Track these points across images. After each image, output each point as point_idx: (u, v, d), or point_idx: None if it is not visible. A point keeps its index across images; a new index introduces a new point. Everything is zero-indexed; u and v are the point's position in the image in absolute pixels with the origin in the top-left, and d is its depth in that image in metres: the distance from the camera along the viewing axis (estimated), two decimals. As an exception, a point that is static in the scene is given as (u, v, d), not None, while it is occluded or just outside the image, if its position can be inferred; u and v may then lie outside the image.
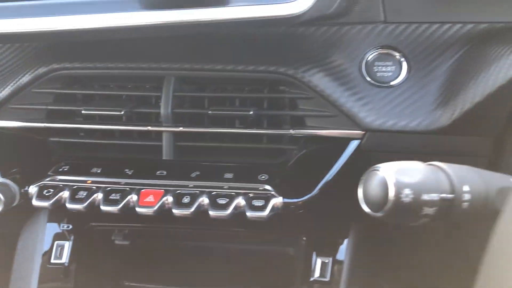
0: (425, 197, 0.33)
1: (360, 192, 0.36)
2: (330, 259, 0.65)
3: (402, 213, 0.34)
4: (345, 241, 0.66)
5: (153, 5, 0.49)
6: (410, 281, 0.73)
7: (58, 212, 0.71)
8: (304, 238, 0.66)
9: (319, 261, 0.65)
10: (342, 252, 0.65)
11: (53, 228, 0.71)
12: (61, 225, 0.71)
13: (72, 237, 0.70)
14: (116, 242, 0.69)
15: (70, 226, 0.70)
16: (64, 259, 0.68)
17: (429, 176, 0.34)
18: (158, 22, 0.48)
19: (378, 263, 0.71)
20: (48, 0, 0.50)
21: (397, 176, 0.33)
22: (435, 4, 0.58)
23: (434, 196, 0.34)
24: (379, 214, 0.34)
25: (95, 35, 0.49)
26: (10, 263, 0.72)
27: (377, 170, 0.35)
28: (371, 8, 0.59)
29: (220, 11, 0.49)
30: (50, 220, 0.71)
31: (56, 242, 0.70)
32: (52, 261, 0.68)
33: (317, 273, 0.64)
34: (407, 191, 0.33)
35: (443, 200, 0.34)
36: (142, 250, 0.69)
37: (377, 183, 0.34)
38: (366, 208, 0.36)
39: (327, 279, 0.64)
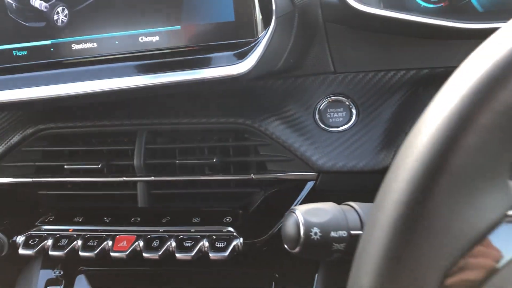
0: (333, 234, 0.38)
1: (282, 231, 0.41)
2: None
3: (314, 249, 0.38)
4: (316, 276, 0.69)
5: (119, 73, 0.56)
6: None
7: (50, 260, 0.77)
8: (277, 275, 0.71)
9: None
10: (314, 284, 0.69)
11: (46, 274, 0.77)
12: (54, 271, 0.77)
13: (63, 282, 0.75)
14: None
15: (62, 272, 0.76)
16: None
17: (338, 216, 0.39)
18: (124, 87, 0.55)
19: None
20: (37, 73, 0.57)
21: (306, 217, 0.38)
22: (379, 55, 0.64)
23: (342, 233, 0.38)
24: (295, 251, 0.39)
25: (73, 99, 0.56)
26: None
27: (293, 211, 0.40)
28: (321, 61, 0.65)
29: (180, 74, 0.56)
30: (44, 266, 0.77)
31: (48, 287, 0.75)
32: None
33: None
34: (315, 229, 0.38)
35: (352, 236, 0.39)
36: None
37: (291, 223, 0.39)
38: (286, 246, 0.40)
39: None
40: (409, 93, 0.64)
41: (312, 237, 0.38)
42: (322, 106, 0.65)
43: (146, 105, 0.67)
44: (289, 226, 0.39)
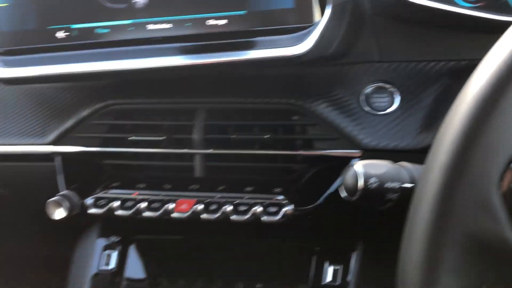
0: (388, 185, 0.44)
1: (341, 181, 0.47)
2: (341, 266, 0.74)
3: (370, 197, 0.44)
4: (355, 252, 0.75)
5: (185, 52, 0.63)
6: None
7: (107, 228, 0.85)
8: (318, 248, 0.76)
9: (331, 268, 0.74)
10: (352, 261, 0.74)
11: (103, 241, 0.84)
12: (110, 238, 0.84)
13: (119, 247, 0.83)
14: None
15: (119, 238, 0.83)
16: (112, 265, 0.81)
17: (392, 170, 0.45)
18: (189, 63, 0.62)
19: (385, 273, 0.80)
20: (115, 49, 0.65)
21: (366, 169, 0.44)
22: (421, 46, 0.70)
23: (396, 185, 0.44)
24: (354, 197, 0.45)
25: (143, 74, 0.63)
26: (66, 269, 0.86)
27: (352, 165, 0.46)
28: (368, 50, 0.71)
29: (244, 54, 0.63)
30: (101, 234, 0.85)
31: (105, 252, 0.83)
32: (102, 268, 0.81)
33: (329, 278, 0.74)
34: (373, 179, 0.44)
35: (403, 188, 0.44)
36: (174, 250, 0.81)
37: (351, 174, 0.45)
38: (343, 194, 0.46)
39: (338, 283, 0.73)
40: (449, 82, 0.70)
41: (369, 186, 0.44)
42: (367, 91, 0.71)
43: (206, 85, 0.74)
44: (350, 175, 0.45)
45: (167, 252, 0.84)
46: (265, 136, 0.71)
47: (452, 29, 0.67)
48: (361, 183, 0.44)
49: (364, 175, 0.44)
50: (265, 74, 0.73)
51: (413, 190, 0.42)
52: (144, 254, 0.83)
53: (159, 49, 0.64)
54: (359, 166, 0.45)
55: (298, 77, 0.73)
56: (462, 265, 0.31)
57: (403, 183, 0.44)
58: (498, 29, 0.65)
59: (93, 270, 0.82)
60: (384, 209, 0.45)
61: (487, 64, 0.31)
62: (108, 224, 0.85)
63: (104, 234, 0.85)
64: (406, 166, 0.46)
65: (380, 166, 0.45)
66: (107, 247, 0.83)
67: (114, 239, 0.84)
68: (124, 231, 0.84)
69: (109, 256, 0.82)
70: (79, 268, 0.84)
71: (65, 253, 0.88)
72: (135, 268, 0.82)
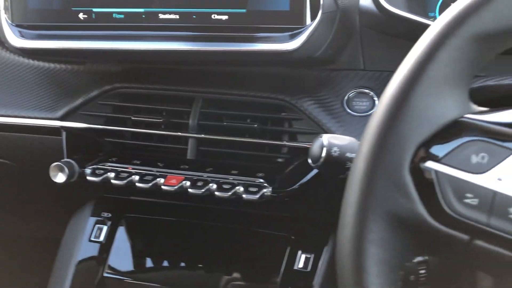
0: (348, 155, 0.51)
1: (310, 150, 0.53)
2: (313, 255, 0.80)
3: (332, 164, 0.51)
4: (327, 243, 0.81)
5: (190, 39, 0.71)
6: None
7: (100, 204, 0.91)
8: (293, 237, 0.82)
9: (303, 256, 0.80)
10: (324, 249, 0.80)
11: (95, 217, 0.91)
12: (103, 213, 0.91)
13: (109, 223, 0.89)
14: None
15: (110, 215, 0.90)
16: (102, 238, 0.87)
17: (354, 143, 0.52)
18: (192, 49, 0.70)
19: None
20: (121, 32, 0.73)
21: (330, 139, 0.51)
22: (403, 57, 0.77)
23: (355, 155, 0.51)
24: (318, 163, 0.51)
25: (152, 55, 0.71)
26: (59, 240, 0.92)
27: (320, 136, 0.52)
28: (354, 59, 0.79)
29: (237, 45, 0.70)
30: (94, 210, 0.91)
31: (96, 225, 0.89)
32: (92, 238, 0.87)
33: (300, 265, 0.79)
34: (335, 148, 0.50)
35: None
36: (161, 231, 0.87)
37: (317, 143, 0.52)
38: (310, 161, 0.53)
39: (308, 270, 0.79)
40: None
41: (332, 154, 0.50)
42: (350, 95, 0.78)
43: (204, 76, 0.81)
44: (316, 144, 0.52)
45: (154, 231, 0.90)
46: (254, 125, 0.77)
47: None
48: (324, 151, 0.51)
49: (328, 145, 0.51)
50: (260, 72, 0.81)
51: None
52: (132, 231, 0.89)
53: (168, 36, 0.72)
54: (324, 137, 0.51)
55: (290, 77, 0.80)
56: (385, 238, 0.36)
57: (362, 154, 0.51)
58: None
59: (84, 241, 0.88)
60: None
61: (399, 70, 0.38)
62: (101, 204, 0.92)
63: (96, 211, 0.91)
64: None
65: (343, 139, 0.51)
66: (99, 222, 0.89)
67: (105, 215, 0.90)
68: (115, 210, 0.90)
69: (100, 229, 0.88)
70: (71, 238, 0.90)
71: (60, 235, 0.95)
72: (122, 243, 0.88)
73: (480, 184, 0.35)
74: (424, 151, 0.36)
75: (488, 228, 0.36)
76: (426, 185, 0.36)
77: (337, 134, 0.75)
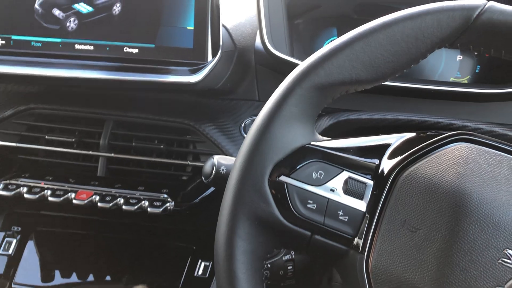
0: (233, 172, 0.62)
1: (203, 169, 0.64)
2: (211, 262, 0.90)
3: (220, 180, 0.62)
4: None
5: (103, 69, 0.80)
6: None
7: (11, 219, 0.95)
8: (194, 247, 0.92)
9: (203, 264, 0.90)
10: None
11: (5, 230, 0.94)
12: (13, 227, 0.95)
13: (18, 237, 0.93)
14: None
15: (20, 229, 0.94)
16: (11, 251, 0.91)
17: (238, 163, 0.63)
18: (104, 78, 0.78)
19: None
20: (39, 59, 0.80)
21: (219, 160, 0.62)
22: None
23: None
24: (208, 180, 0.62)
25: (65, 82, 0.79)
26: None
27: (212, 157, 0.63)
28: (250, 91, 0.91)
29: (149, 76, 0.80)
30: (4, 224, 0.95)
31: (6, 239, 0.93)
32: (0, 252, 0.91)
33: (200, 272, 0.89)
34: (223, 167, 0.62)
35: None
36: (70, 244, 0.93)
37: (209, 162, 0.62)
38: (203, 178, 0.64)
39: (207, 276, 0.89)
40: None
41: (220, 172, 0.61)
42: (246, 122, 0.91)
43: (116, 100, 0.90)
44: (207, 164, 0.62)
45: (64, 245, 0.95)
46: (161, 146, 0.87)
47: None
48: (214, 169, 0.62)
49: (217, 164, 0.62)
50: (168, 98, 0.91)
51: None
52: (41, 245, 0.94)
53: (83, 64, 0.80)
54: (215, 158, 0.63)
55: (195, 105, 0.91)
56: (251, 233, 0.47)
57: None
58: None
59: None
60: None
61: (264, 107, 0.49)
62: (11, 218, 0.96)
63: (6, 225, 0.95)
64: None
65: (229, 159, 0.63)
66: (8, 236, 0.93)
67: (15, 229, 0.94)
68: (26, 225, 0.95)
69: (9, 243, 0.92)
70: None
71: None
72: (31, 256, 0.93)
73: (318, 193, 0.48)
74: (279, 168, 0.48)
75: (323, 226, 0.48)
76: (280, 193, 0.48)
77: (234, 155, 0.87)
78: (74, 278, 0.93)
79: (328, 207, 0.48)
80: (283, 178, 0.48)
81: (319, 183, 0.49)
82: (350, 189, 0.49)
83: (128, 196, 0.82)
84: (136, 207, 0.80)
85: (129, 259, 0.92)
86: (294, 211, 0.48)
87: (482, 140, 0.49)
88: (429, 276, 0.44)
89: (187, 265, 0.90)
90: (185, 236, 0.93)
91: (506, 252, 0.43)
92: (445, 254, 0.43)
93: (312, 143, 0.51)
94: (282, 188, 0.48)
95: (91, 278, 0.94)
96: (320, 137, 0.52)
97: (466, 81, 0.99)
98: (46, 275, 0.92)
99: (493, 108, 0.90)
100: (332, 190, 0.49)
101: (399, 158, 0.50)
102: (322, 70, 0.48)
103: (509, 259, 0.42)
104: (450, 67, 0.99)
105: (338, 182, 0.49)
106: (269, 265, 0.62)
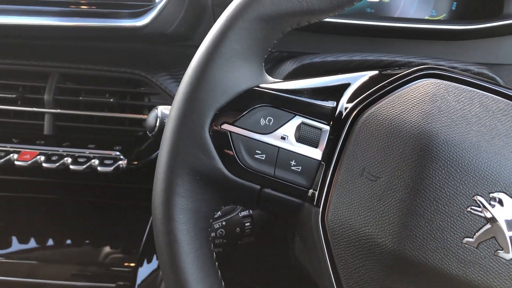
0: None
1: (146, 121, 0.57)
2: None
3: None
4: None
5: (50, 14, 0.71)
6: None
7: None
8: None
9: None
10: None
11: None
12: None
13: None
14: None
15: None
16: None
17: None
18: (54, 24, 0.70)
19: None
20: None
21: (163, 110, 0.56)
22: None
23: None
24: (152, 134, 0.56)
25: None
26: None
27: (156, 108, 0.57)
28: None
29: (93, 21, 0.72)
30: None
31: None
32: None
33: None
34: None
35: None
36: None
37: (152, 114, 0.56)
38: (148, 132, 0.57)
39: None
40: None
41: (165, 123, 0.55)
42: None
43: (61, 51, 0.81)
44: (151, 116, 0.56)
45: (11, 209, 0.88)
46: (111, 100, 0.80)
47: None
48: (158, 121, 0.55)
49: (161, 115, 0.55)
50: (117, 47, 0.83)
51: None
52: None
53: (18, 10, 0.71)
54: (159, 109, 0.56)
55: (147, 53, 0.83)
56: (191, 190, 0.42)
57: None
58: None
59: None
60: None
61: (199, 48, 0.42)
62: None
63: None
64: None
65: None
66: None
67: None
68: None
69: None
70: None
71: None
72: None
73: (267, 142, 0.42)
74: (221, 115, 0.42)
75: (274, 178, 0.43)
76: (223, 144, 0.42)
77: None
78: (26, 243, 0.88)
79: (279, 156, 0.42)
80: (226, 126, 0.42)
81: (268, 130, 0.43)
82: (303, 136, 0.43)
83: (77, 155, 0.75)
84: (84, 166, 0.74)
85: (84, 222, 0.87)
86: (240, 163, 0.42)
87: (451, 75, 0.43)
88: (391, 229, 0.39)
89: (148, 225, 0.85)
90: (144, 196, 0.87)
91: (475, 199, 0.38)
92: (408, 204, 0.38)
93: (261, 85, 0.44)
94: (226, 138, 0.42)
95: (43, 242, 0.88)
96: (270, 78, 0.46)
97: (442, 19, 0.92)
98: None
99: (472, 46, 0.85)
100: (283, 138, 0.43)
101: (358, 99, 0.44)
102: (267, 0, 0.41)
103: (479, 206, 0.38)
104: (424, 5, 0.92)
105: (289, 128, 0.43)
106: (224, 223, 0.57)
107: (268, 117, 0.43)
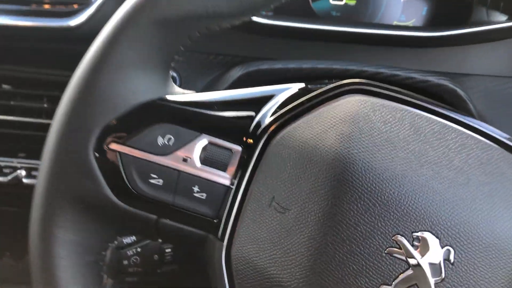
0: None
1: None
2: None
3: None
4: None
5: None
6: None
7: None
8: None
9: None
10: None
11: None
12: None
13: None
14: None
15: None
16: None
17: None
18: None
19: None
20: None
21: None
22: (205, 41, 0.78)
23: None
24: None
25: None
26: None
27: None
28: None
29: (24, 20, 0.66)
30: None
31: None
32: None
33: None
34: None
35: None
36: None
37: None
38: None
39: None
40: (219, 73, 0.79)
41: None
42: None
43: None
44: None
45: None
46: (44, 105, 0.73)
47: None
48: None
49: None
50: (55, 48, 0.76)
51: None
52: None
53: None
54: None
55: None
56: (74, 221, 0.36)
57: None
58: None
59: None
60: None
61: (85, 58, 0.37)
62: None
63: None
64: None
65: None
66: None
67: None
68: None
69: None
70: None
71: None
72: None
73: (165, 165, 0.36)
74: (109, 133, 0.36)
75: (174, 207, 0.37)
76: (111, 167, 0.36)
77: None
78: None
79: (180, 181, 0.37)
80: (114, 146, 0.36)
81: (167, 151, 0.37)
82: (209, 157, 0.37)
83: (3, 165, 0.69)
84: (10, 177, 0.68)
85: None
86: (131, 189, 0.36)
87: (380, 91, 0.37)
88: (297, 272, 0.33)
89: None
90: None
91: (396, 239, 0.32)
92: (318, 243, 0.33)
93: (165, 97, 0.38)
94: (114, 160, 0.36)
95: None
96: (178, 90, 0.40)
97: (411, 25, 0.87)
98: None
99: (439, 54, 0.80)
100: (184, 160, 0.37)
101: (275, 116, 0.38)
102: (164, 0, 0.35)
103: (400, 248, 0.32)
104: (392, 9, 0.86)
105: (193, 149, 0.37)
106: (138, 249, 0.51)
107: (168, 136, 0.37)
